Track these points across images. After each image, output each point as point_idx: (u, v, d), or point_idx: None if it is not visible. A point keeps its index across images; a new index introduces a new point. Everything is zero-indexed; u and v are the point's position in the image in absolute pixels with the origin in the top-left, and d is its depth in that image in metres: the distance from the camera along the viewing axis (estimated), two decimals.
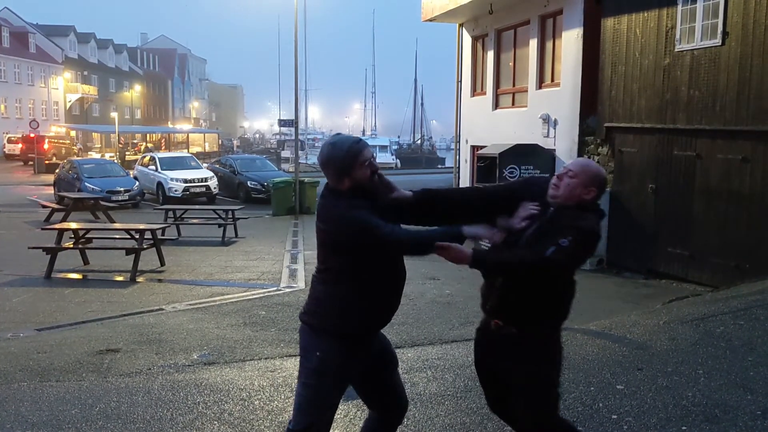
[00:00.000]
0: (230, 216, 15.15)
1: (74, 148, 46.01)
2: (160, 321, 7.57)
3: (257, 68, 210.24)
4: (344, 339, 3.02)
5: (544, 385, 3.09)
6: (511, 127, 14.53)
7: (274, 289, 9.59)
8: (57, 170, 23.68)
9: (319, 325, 3.04)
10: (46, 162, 35.41)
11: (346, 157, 2.88)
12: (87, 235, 11.44)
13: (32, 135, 36.15)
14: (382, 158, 52.57)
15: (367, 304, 2.99)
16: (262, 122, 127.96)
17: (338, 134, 3.09)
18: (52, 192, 22.42)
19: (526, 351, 3.03)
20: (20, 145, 40.09)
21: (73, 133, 53.39)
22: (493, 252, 2.97)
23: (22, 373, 5.59)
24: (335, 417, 4.42)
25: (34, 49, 56.32)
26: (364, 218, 2.81)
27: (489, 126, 15.75)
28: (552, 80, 13.52)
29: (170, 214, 15.54)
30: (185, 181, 22.58)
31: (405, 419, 4.32)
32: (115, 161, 35.29)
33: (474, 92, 17.09)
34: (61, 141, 44.66)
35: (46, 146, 39.75)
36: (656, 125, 10.33)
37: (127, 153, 41.74)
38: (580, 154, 12.29)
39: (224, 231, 14.59)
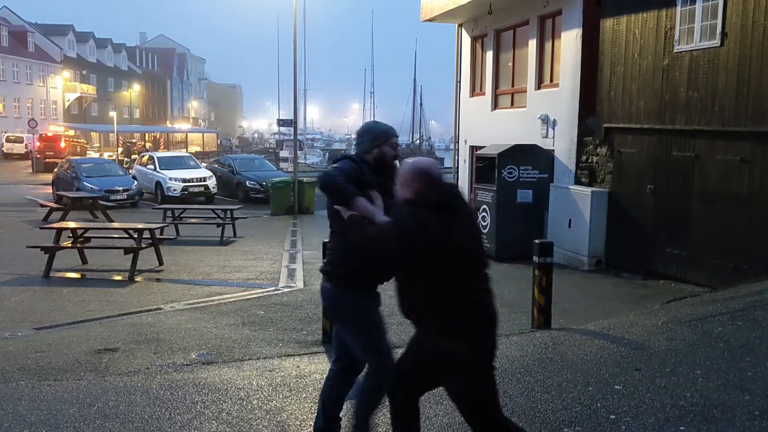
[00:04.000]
0: (229, 216, 15.16)
1: (87, 146, 46.59)
2: (158, 320, 7.57)
3: (256, 68, 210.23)
4: (354, 286, 3.55)
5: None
6: (510, 127, 14.53)
7: (273, 288, 9.59)
8: (55, 169, 23.66)
9: (333, 271, 3.60)
10: (45, 161, 35.42)
11: (382, 133, 3.69)
12: (85, 235, 11.43)
13: (50, 134, 36.18)
14: None
15: (351, 258, 3.49)
16: (260, 122, 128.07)
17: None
18: (51, 191, 22.41)
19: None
20: (38, 144, 39.98)
21: (72, 132, 53.39)
22: None
23: (21, 372, 5.59)
24: None
25: (33, 48, 56.30)
26: (337, 178, 3.42)
27: (488, 126, 15.75)
28: (551, 81, 13.52)
29: (169, 213, 15.54)
30: (184, 180, 22.57)
31: None
32: (121, 158, 35.33)
33: (473, 92, 17.09)
34: (76, 140, 45.11)
35: (62, 144, 39.87)
36: (655, 126, 10.33)
37: (132, 151, 41.69)
38: (579, 154, 12.29)
39: (223, 231, 14.59)
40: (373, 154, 3.65)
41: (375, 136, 3.68)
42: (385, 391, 3.52)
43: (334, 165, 3.64)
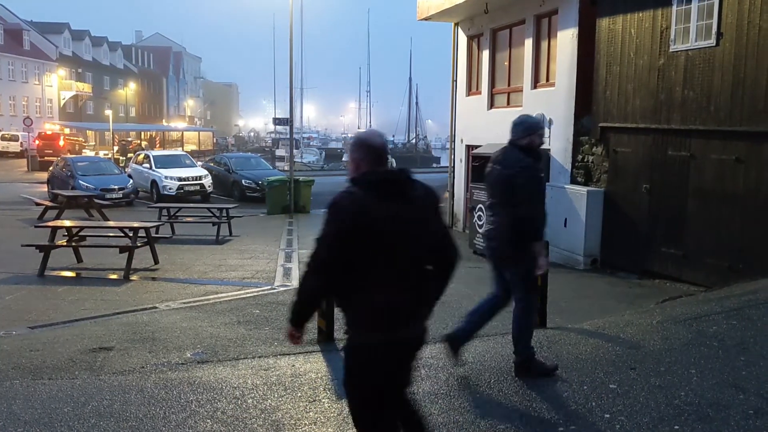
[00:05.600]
0: (224, 214, 15.13)
1: (86, 144, 46.68)
2: (153, 319, 7.55)
3: (252, 67, 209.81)
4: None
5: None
6: (506, 126, 14.40)
7: (268, 287, 9.58)
8: (51, 168, 23.58)
9: (503, 238, 4.76)
10: (44, 159, 35.34)
11: (533, 124, 4.84)
12: (81, 233, 11.40)
13: (49, 132, 36.15)
14: None
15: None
16: (257, 120, 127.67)
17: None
18: (46, 190, 22.35)
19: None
20: (37, 142, 39.90)
21: (67, 131, 53.33)
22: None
23: (15, 371, 5.57)
24: (329, 416, 4.42)
25: (29, 46, 56.12)
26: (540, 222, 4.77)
27: (484, 125, 15.75)
28: (547, 80, 13.54)
29: (164, 212, 15.49)
30: (179, 179, 22.53)
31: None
32: (117, 156, 35.28)
33: (469, 92, 17.09)
34: (74, 138, 45.16)
35: (61, 143, 39.82)
36: (651, 125, 10.36)
37: (128, 148, 41.61)
38: (574, 154, 12.31)
39: (218, 229, 14.56)
40: (525, 141, 4.73)
41: (527, 127, 4.77)
42: (533, 314, 4.91)
43: (517, 165, 4.63)
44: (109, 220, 14.99)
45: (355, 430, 3.11)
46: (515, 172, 4.62)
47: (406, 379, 3.12)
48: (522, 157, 4.67)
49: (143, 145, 47.83)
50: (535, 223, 4.68)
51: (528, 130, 4.75)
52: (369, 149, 2.97)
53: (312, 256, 2.89)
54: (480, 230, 12.94)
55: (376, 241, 2.80)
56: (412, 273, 2.93)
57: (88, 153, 41.34)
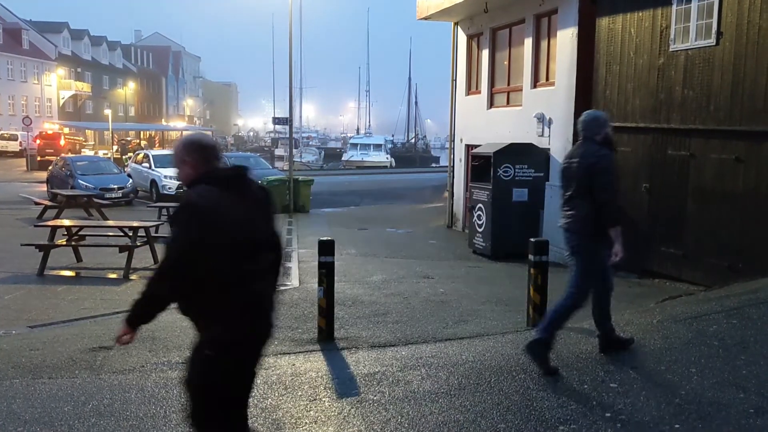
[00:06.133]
0: None
1: (86, 144, 46.84)
2: None
3: (251, 66, 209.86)
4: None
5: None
6: (505, 126, 14.54)
7: None
8: (50, 167, 23.56)
9: (581, 229, 5.09)
10: (45, 159, 35.34)
11: (606, 119, 5.22)
12: (80, 233, 11.40)
13: (50, 131, 36.14)
14: (377, 157, 52.52)
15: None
16: (256, 120, 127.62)
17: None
18: (45, 189, 22.33)
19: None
20: (38, 142, 39.92)
21: (66, 130, 53.35)
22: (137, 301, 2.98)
23: (15, 370, 5.57)
24: (329, 415, 4.42)
25: (28, 45, 56.08)
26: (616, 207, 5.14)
27: (484, 125, 15.75)
28: (547, 79, 13.53)
29: (164, 211, 15.49)
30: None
31: (399, 416, 4.33)
32: (116, 156, 35.26)
33: (469, 91, 17.08)
34: (75, 138, 45.26)
35: (62, 142, 39.86)
36: (650, 125, 10.35)
37: (128, 148, 41.63)
38: None
39: None
40: (602, 135, 5.09)
41: (602, 122, 5.15)
42: (575, 309, 5.10)
43: (597, 154, 4.97)
44: (108, 220, 14.99)
45: None
46: (595, 160, 4.98)
47: (252, 380, 3.16)
48: (600, 148, 5.05)
49: (142, 145, 47.82)
50: (615, 209, 5.06)
51: (603, 125, 5.13)
52: (204, 149, 3.02)
53: (169, 256, 2.83)
54: (480, 230, 12.93)
55: (234, 236, 2.86)
56: (263, 266, 3.02)
57: (87, 152, 41.39)
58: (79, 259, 11.12)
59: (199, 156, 3.00)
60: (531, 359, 5.05)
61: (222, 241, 2.81)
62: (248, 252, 2.92)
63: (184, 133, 3.25)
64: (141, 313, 2.96)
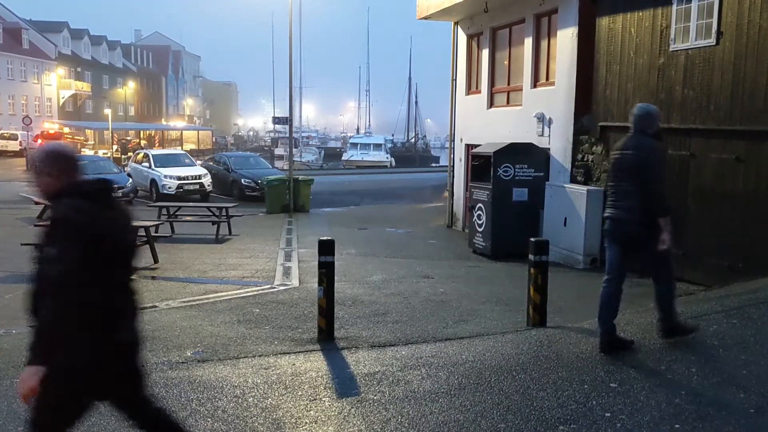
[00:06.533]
0: (224, 213, 15.13)
1: (87, 143, 46.89)
2: (153, 318, 7.53)
3: (251, 66, 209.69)
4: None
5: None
6: (505, 125, 14.54)
7: (268, 286, 9.58)
8: None
9: (636, 219, 5.37)
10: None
11: (657, 113, 5.48)
12: None
13: (51, 131, 36.14)
14: (377, 156, 52.55)
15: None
16: (256, 120, 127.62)
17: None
18: None
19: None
20: (39, 141, 39.96)
21: (66, 129, 53.35)
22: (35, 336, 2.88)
23: (15, 369, 5.56)
24: (329, 415, 4.42)
25: (28, 45, 56.06)
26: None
27: (484, 125, 15.76)
28: (547, 79, 13.53)
29: (164, 211, 15.49)
30: (179, 178, 22.52)
31: (399, 416, 4.33)
32: (116, 155, 35.28)
33: (469, 91, 17.09)
34: (76, 137, 45.30)
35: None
36: None
37: (128, 147, 41.62)
38: (574, 153, 12.31)
39: (218, 228, 14.56)
40: (654, 128, 5.38)
41: (654, 116, 5.43)
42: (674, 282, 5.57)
43: (652, 147, 5.26)
44: None
45: None
46: (650, 153, 5.24)
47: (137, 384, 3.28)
48: (653, 141, 5.32)
49: (142, 144, 47.83)
50: (665, 199, 5.34)
51: (656, 119, 5.42)
52: (66, 160, 2.98)
53: (54, 276, 2.73)
54: (480, 230, 12.93)
55: (109, 247, 2.88)
56: (132, 276, 3.11)
57: (87, 152, 41.38)
58: None
59: (61, 167, 2.94)
60: (677, 336, 5.44)
61: (98, 251, 2.82)
62: (121, 263, 3.01)
63: (52, 145, 3.16)
64: (47, 343, 2.87)
